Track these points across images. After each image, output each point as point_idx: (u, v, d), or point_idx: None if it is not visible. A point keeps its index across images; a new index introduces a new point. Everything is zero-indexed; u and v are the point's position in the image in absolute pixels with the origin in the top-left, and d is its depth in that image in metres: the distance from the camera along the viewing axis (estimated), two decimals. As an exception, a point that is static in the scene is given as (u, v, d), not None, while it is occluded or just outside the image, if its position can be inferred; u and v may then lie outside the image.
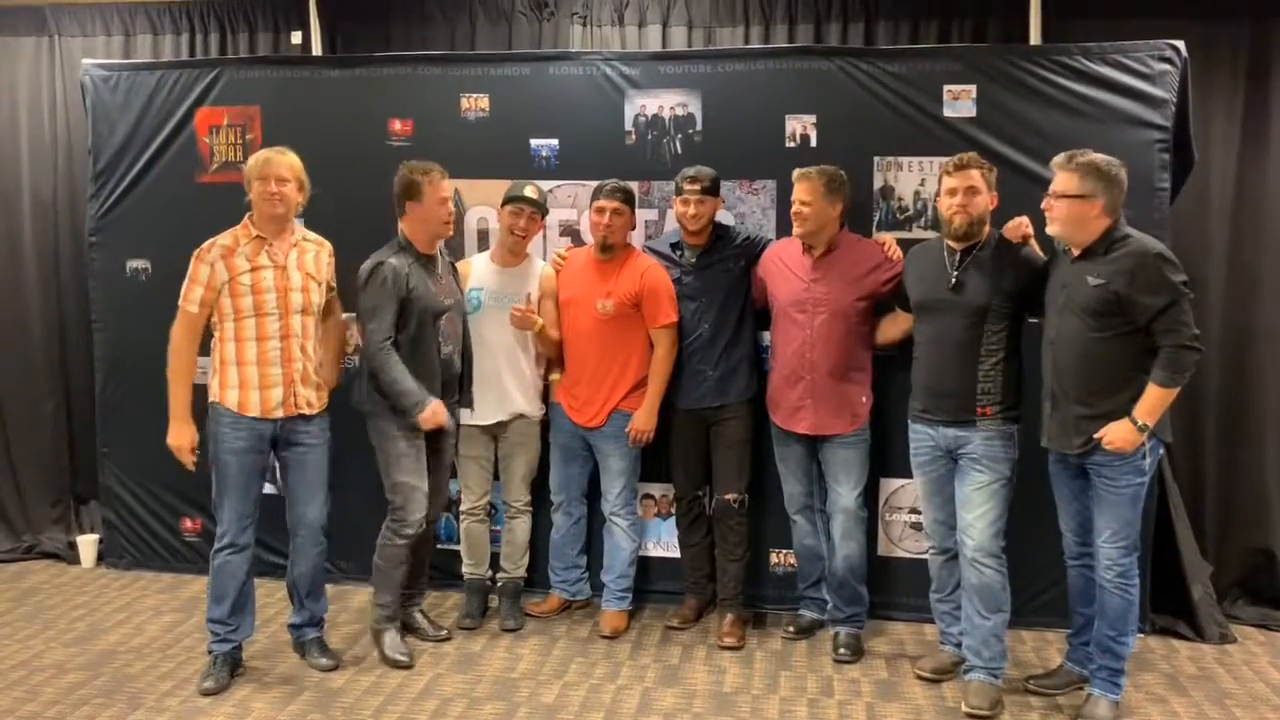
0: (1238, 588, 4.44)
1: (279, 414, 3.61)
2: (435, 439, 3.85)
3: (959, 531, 3.54)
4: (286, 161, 3.61)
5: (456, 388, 3.91)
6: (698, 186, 3.93)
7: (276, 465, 3.76)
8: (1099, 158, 3.24)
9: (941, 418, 3.53)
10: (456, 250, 4.31)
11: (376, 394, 3.74)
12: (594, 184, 4.08)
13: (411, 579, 4.00)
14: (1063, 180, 3.25)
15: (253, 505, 3.66)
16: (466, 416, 4.08)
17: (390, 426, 3.75)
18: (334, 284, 3.81)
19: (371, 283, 3.70)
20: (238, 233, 3.62)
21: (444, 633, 4.05)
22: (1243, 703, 3.60)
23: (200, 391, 3.65)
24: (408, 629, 4.04)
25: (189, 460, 3.63)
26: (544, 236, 4.41)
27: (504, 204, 4.08)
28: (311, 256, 3.71)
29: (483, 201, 4.42)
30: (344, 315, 3.96)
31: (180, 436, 3.61)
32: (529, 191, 4.05)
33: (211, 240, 3.61)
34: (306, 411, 3.67)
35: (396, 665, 3.79)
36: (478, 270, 4.14)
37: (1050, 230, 3.29)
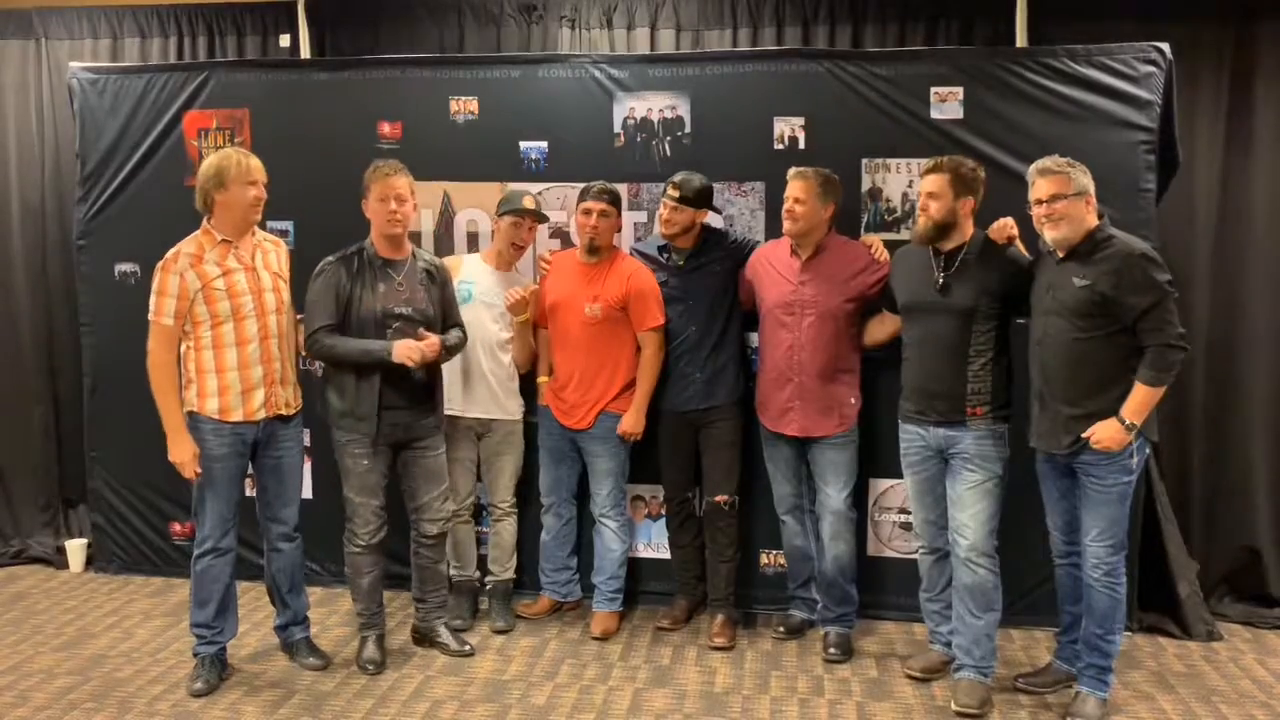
0: (1224, 585, 4.47)
1: (261, 416, 3.60)
2: (409, 453, 3.80)
3: (951, 531, 3.56)
4: (259, 164, 3.59)
5: (424, 397, 3.78)
6: (676, 194, 3.94)
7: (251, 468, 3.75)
8: (1066, 159, 3.32)
9: (933, 418, 3.55)
10: (445, 253, 4.31)
11: (330, 403, 3.72)
12: (583, 186, 4.09)
13: (423, 589, 3.96)
14: (1058, 183, 3.26)
15: (233, 510, 3.65)
16: (455, 409, 4.08)
17: (342, 439, 3.73)
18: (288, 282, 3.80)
19: (311, 284, 3.69)
20: (200, 239, 3.56)
21: (467, 648, 3.96)
22: (1229, 699, 3.63)
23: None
24: (428, 640, 3.99)
25: (192, 473, 3.56)
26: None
27: (502, 214, 4.09)
28: (274, 256, 3.70)
29: (472, 204, 4.43)
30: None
31: (182, 451, 3.54)
32: (527, 202, 4.07)
33: (175, 250, 3.53)
34: (285, 412, 3.67)
35: (364, 671, 3.78)
36: (470, 267, 4.14)
37: (1055, 234, 3.27)
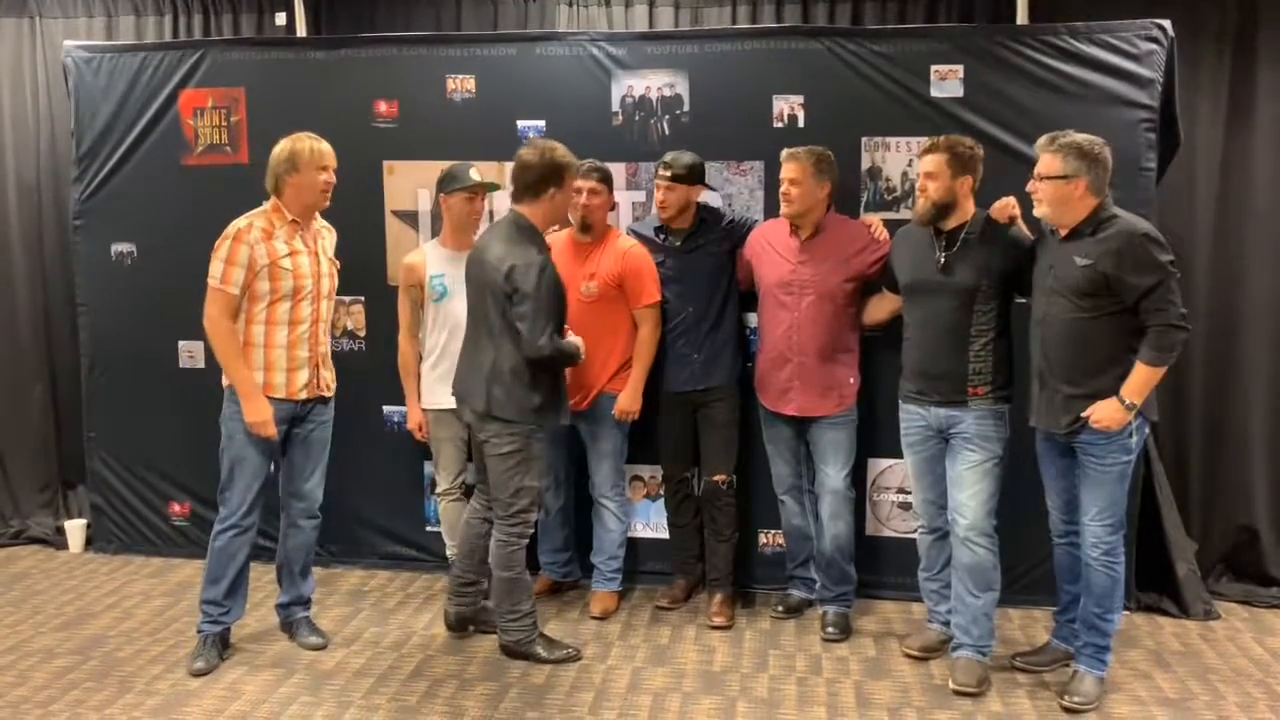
0: (1222, 564, 4.48)
1: (304, 395, 3.63)
2: None
3: (951, 511, 3.56)
4: (331, 150, 3.67)
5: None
6: (668, 173, 3.94)
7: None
8: (1081, 138, 3.25)
9: (934, 398, 3.55)
10: (439, 233, 4.29)
11: (520, 400, 3.54)
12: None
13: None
14: (1046, 162, 3.25)
15: (261, 488, 3.66)
16: (438, 401, 4.05)
17: (537, 430, 3.60)
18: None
19: (542, 285, 3.46)
20: (270, 215, 3.60)
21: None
22: (1226, 678, 3.64)
23: (214, 372, 3.68)
24: (484, 622, 3.92)
25: (272, 433, 3.57)
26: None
27: (451, 191, 3.99)
28: (326, 243, 3.76)
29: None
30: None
31: (260, 412, 3.54)
32: (474, 175, 3.99)
33: (246, 221, 3.55)
34: (326, 394, 3.73)
35: (571, 659, 3.69)
36: (434, 258, 4.08)
37: (1037, 212, 3.30)
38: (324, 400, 3.75)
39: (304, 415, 3.71)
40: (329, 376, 3.76)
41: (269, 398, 3.57)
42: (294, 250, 3.58)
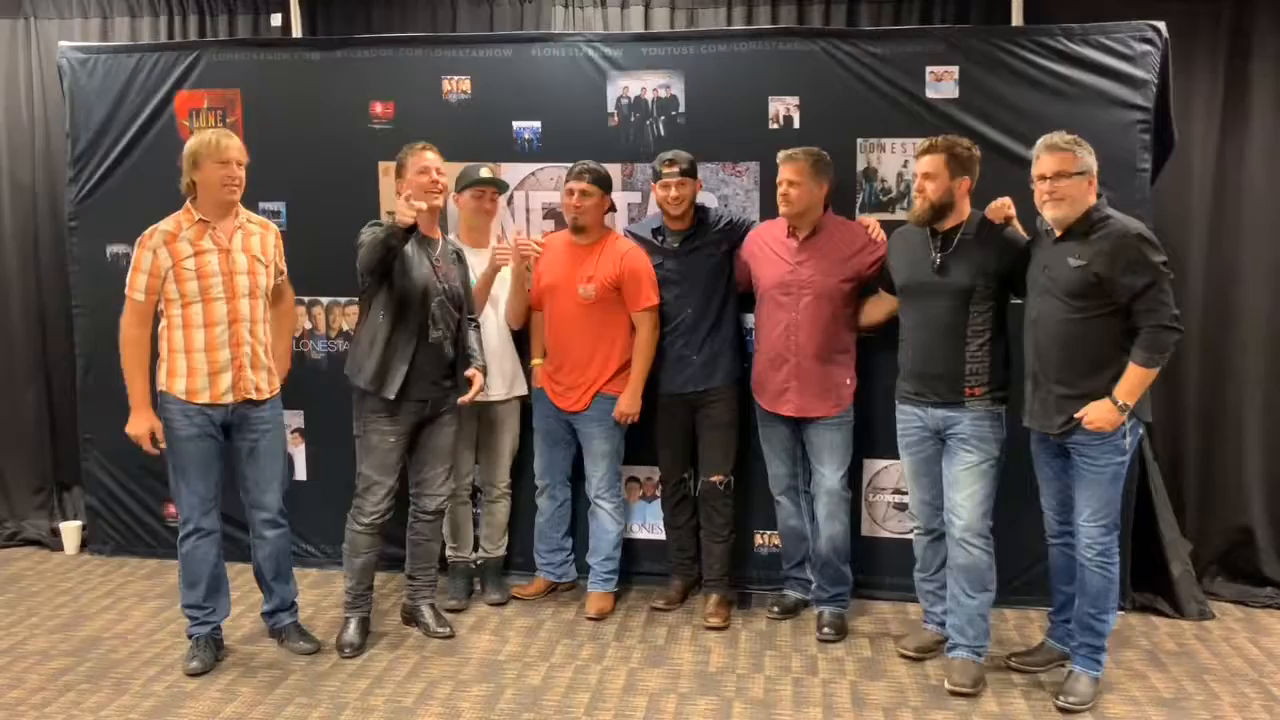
0: (1217, 565, 4.49)
1: (228, 399, 3.57)
2: (427, 428, 3.79)
3: (947, 511, 3.56)
4: (238, 144, 3.58)
5: (449, 373, 3.79)
6: (676, 169, 3.93)
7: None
8: (1073, 136, 3.29)
9: (930, 399, 3.55)
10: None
11: (361, 373, 3.67)
12: (570, 166, 4.07)
13: (414, 565, 3.96)
14: (1064, 160, 3.23)
15: (212, 489, 3.62)
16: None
17: (368, 413, 3.72)
18: (283, 267, 3.76)
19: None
20: (180, 218, 3.55)
21: (446, 630, 3.94)
22: (1221, 678, 3.65)
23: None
24: (412, 620, 4.00)
25: (150, 447, 3.58)
26: (527, 219, 4.41)
27: (463, 189, 4.08)
28: (257, 239, 3.65)
29: (465, 184, 4.41)
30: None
31: (139, 425, 3.56)
32: (485, 173, 4.07)
33: (153, 226, 3.55)
34: (255, 397, 3.62)
35: (341, 654, 3.76)
36: None
37: (1055, 212, 3.25)
38: (255, 404, 3.62)
39: (238, 422, 3.61)
40: (259, 379, 3.62)
41: (193, 404, 3.53)
42: (200, 250, 3.51)
